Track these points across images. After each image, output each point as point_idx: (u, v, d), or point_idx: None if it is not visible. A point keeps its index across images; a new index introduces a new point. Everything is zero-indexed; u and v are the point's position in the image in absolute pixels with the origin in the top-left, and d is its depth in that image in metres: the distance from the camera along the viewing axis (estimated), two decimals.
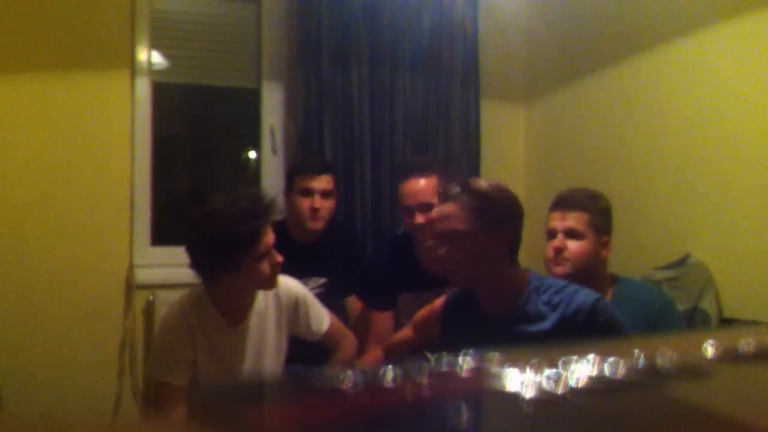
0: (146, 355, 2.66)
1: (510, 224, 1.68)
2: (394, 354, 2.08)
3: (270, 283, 1.87)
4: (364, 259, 2.66)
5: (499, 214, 1.66)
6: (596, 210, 1.98)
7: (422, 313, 1.99)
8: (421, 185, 2.25)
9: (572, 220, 1.95)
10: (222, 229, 1.76)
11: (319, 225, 2.44)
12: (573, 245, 1.94)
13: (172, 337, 1.86)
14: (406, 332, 2.08)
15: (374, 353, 2.19)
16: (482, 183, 1.71)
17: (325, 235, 2.49)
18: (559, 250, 1.94)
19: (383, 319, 2.33)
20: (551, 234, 1.98)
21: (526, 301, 1.65)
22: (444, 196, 1.69)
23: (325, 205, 2.44)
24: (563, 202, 2.00)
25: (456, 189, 1.67)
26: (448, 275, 1.70)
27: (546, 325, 1.61)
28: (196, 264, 1.81)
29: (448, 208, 1.66)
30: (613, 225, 2.03)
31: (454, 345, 1.76)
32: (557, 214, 1.98)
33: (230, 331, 1.90)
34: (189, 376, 1.86)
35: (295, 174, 2.48)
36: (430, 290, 2.19)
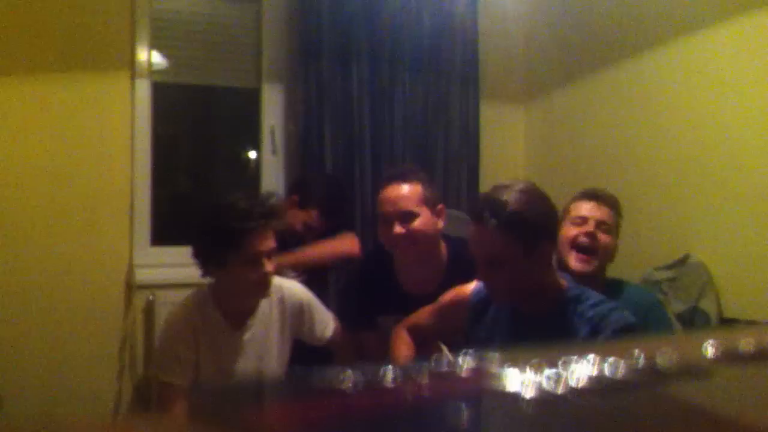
0: (146, 355, 2.66)
1: (550, 236, 1.59)
2: (414, 337, 1.97)
3: (258, 291, 1.87)
4: (341, 281, 2.56)
5: (539, 230, 1.54)
6: (620, 213, 1.95)
7: (449, 298, 1.83)
8: (403, 192, 2.01)
9: (605, 213, 1.90)
10: (213, 223, 1.81)
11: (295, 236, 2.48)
12: (604, 237, 1.88)
13: (176, 338, 1.87)
14: (427, 317, 1.88)
15: (402, 337, 1.93)
16: (514, 197, 1.54)
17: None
18: (591, 236, 1.85)
19: (375, 338, 2.10)
20: (581, 221, 1.88)
21: (563, 308, 1.58)
22: (477, 216, 1.55)
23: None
24: (597, 195, 1.94)
25: (491, 208, 1.53)
26: (498, 296, 1.62)
27: (576, 339, 1.54)
28: (194, 254, 1.85)
29: (483, 232, 1.53)
30: None
31: (483, 338, 1.70)
32: (591, 204, 1.91)
33: (233, 334, 1.91)
34: (191, 376, 1.86)
35: (295, 193, 2.55)
36: (411, 311, 1.98)
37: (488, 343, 1.66)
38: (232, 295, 1.89)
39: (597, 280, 1.92)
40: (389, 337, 1.99)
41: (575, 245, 1.87)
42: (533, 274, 1.55)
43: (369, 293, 2.15)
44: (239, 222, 1.77)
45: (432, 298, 1.91)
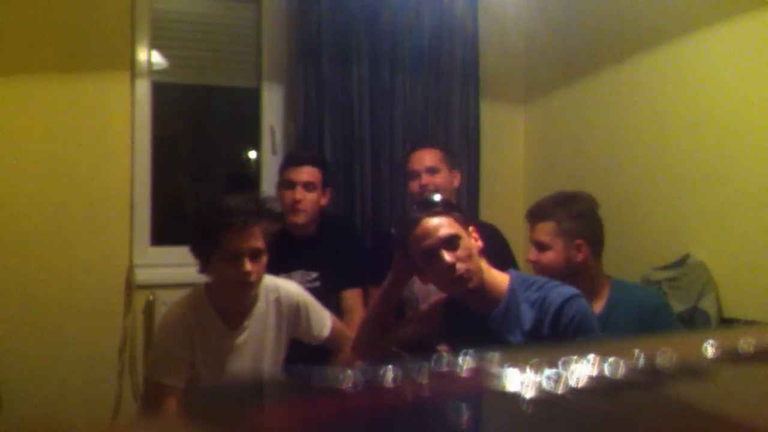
0: (146, 355, 2.66)
1: (469, 224, 1.76)
2: (399, 335, 2.06)
3: (239, 289, 1.86)
4: (368, 245, 2.83)
5: (464, 214, 1.77)
6: (564, 216, 1.98)
7: (430, 303, 2.01)
8: (427, 154, 2.60)
9: (538, 232, 2.01)
10: (198, 218, 1.87)
11: (300, 218, 2.46)
12: (543, 257, 1.99)
13: (171, 338, 1.86)
14: (409, 326, 2.07)
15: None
16: (437, 195, 1.81)
17: (318, 229, 2.50)
18: (534, 263, 2.01)
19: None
20: (530, 245, 2.05)
21: (508, 299, 1.68)
22: (416, 216, 1.70)
23: (308, 197, 2.46)
24: (530, 215, 2.05)
25: (425, 204, 1.73)
26: (460, 282, 1.67)
27: (525, 326, 1.63)
28: (190, 250, 1.89)
29: (433, 221, 1.69)
30: (595, 226, 2.04)
31: (448, 341, 1.79)
32: (529, 227, 2.05)
33: (229, 335, 1.90)
34: (186, 377, 1.85)
35: (282, 167, 2.57)
36: None
37: (455, 344, 1.75)
38: (221, 288, 1.89)
39: (591, 282, 1.93)
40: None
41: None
42: (475, 250, 1.71)
43: (391, 246, 2.47)
44: (220, 217, 1.78)
45: None
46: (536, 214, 2.02)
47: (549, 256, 1.97)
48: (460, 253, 1.65)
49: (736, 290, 2.21)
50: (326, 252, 2.50)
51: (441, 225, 1.67)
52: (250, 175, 3.10)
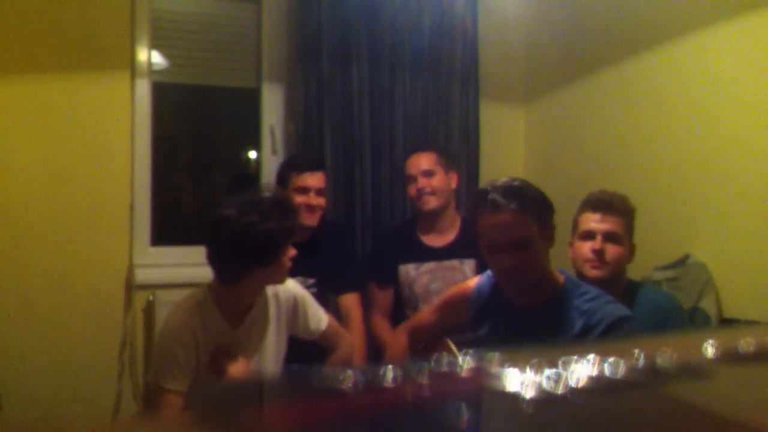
0: (146, 355, 2.66)
1: (552, 218, 1.68)
2: (417, 338, 2.04)
3: (286, 276, 1.91)
4: (372, 243, 2.90)
5: (548, 212, 1.67)
6: (630, 215, 1.96)
7: (450, 295, 1.95)
8: (422, 157, 2.62)
9: (613, 224, 1.91)
10: (265, 224, 1.76)
11: (314, 221, 2.48)
12: (612, 249, 1.90)
13: (176, 344, 1.84)
14: (429, 316, 2.01)
15: (398, 341, 2.14)
16: (524, 184, 1.67)
17: (316, 234, 2.50)
18: (599, 252, 1.89)
19: (385, 296, 2.64)
20: (588, 235, 1.92)
21: (559, 300, 1.63)
22: (494, 204, 1.60)
23: (320, 202, 2.49)
24: (602, 204, 1.94)
25: (510, 193, 1.61)
26: (517, 281, 1.64)
27: (570, 331, 1.58)
28: (225, 261, 1.81)
29: (509, 218, 1.58)
30: None
31: (484, 331, 1.75)
32: (597, 216, 1.93)
33: (231, 333, 1.90)
34: (190, 381, 1.85)
35: (290, 172, 2.51)
36: (428, 261, 2.58)
37: (491, 339, 1.70)
38: (254, 290, 1.89)
39: (617, 283, 1.92)
40: (403, 285, 2.60)
41: (587, 260, 1.91)
42: (545, 255, 1.65)
43: (393, 246, 2.69)
44: (289, 216, 1.81)
45: (446, 250, 2.58)
46: (607, 206, 1.93)
47: (618, 250, 1.90)
48: (525, 255, 1.59)
49: (736, 290, 2.21)
50: (323, 257, 2.49)
51: (516, 225, 1.58)
52: (253, 176, 3.09)
